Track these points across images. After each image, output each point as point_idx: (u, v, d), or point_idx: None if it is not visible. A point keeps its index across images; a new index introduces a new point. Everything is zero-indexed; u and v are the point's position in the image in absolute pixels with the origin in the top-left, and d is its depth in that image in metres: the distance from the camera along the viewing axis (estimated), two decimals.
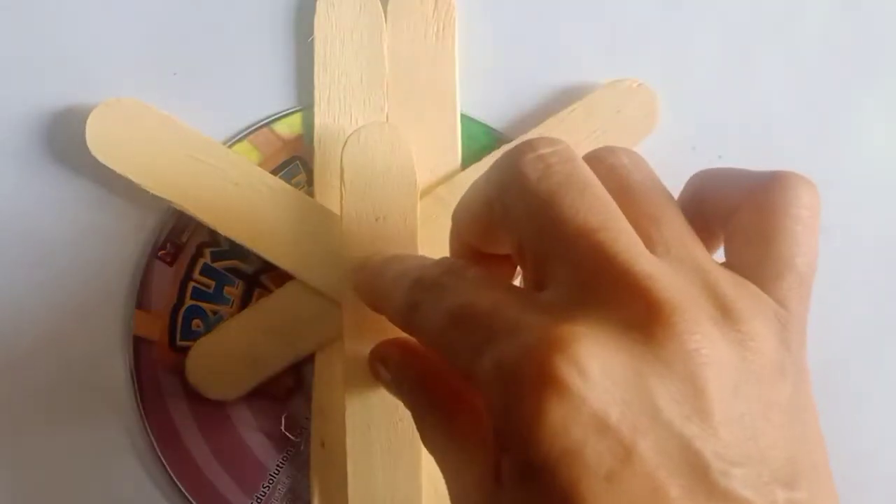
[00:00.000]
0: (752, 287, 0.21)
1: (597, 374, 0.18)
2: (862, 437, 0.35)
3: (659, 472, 0.18)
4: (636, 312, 0.19)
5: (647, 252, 0.21)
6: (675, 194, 0.35)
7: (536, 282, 0.22)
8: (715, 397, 0.18)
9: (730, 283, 0.21)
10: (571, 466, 0.18)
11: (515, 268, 0.27)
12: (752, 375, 0.19)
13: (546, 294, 0.21)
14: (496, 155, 0.33)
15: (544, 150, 0.22)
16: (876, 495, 0.35)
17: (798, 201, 0.22)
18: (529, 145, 0.22)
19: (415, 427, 0.25)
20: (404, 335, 0.26)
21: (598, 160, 0.24)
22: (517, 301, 0.21)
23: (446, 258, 0.25)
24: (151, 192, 0.32)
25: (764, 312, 0.21)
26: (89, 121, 0.32)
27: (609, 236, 0.20)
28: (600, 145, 0.33)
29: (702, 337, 0.19)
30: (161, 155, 0.33)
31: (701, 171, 0.25)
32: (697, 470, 0.18)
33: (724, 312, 0.20)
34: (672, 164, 0.35)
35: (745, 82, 0.35)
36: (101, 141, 0.32)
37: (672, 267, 0.21)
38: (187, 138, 0.33)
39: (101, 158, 0.32)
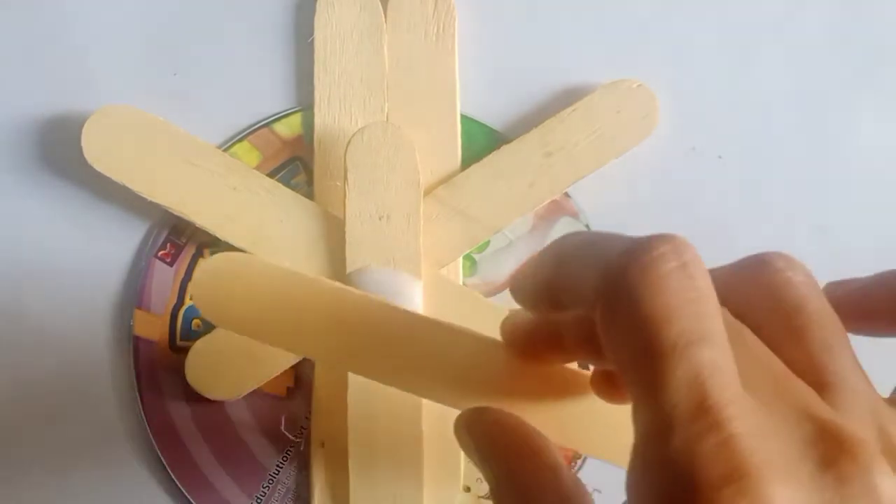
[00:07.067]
0: None
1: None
2: None
3: None
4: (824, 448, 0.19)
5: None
6: (674, 195, 0.35)
7: None
8: None
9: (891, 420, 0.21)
10: None
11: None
12: None
13: None
14: (496, 154, 0.33)
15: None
16: None
17: None
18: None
19: (417, 426, 0.25)
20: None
21: (768, 265, 0.22)
22: None
23: None
24: (149, 199, 0.32)
25: None
26: (85, 129, 0.32)
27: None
28: (600, 145, 0.33)
29: (884, 476, 0.19)
30: (158, 161, 0.33)
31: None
32: None
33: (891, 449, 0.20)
34: (672, 164, 0.36)
35: (745, 82, 0.35)
36: (98, 150, 0.32)
37: (848, 399, 0.20)
38: (184, 144, 0.33)
39: (98, 168, 0.32)
